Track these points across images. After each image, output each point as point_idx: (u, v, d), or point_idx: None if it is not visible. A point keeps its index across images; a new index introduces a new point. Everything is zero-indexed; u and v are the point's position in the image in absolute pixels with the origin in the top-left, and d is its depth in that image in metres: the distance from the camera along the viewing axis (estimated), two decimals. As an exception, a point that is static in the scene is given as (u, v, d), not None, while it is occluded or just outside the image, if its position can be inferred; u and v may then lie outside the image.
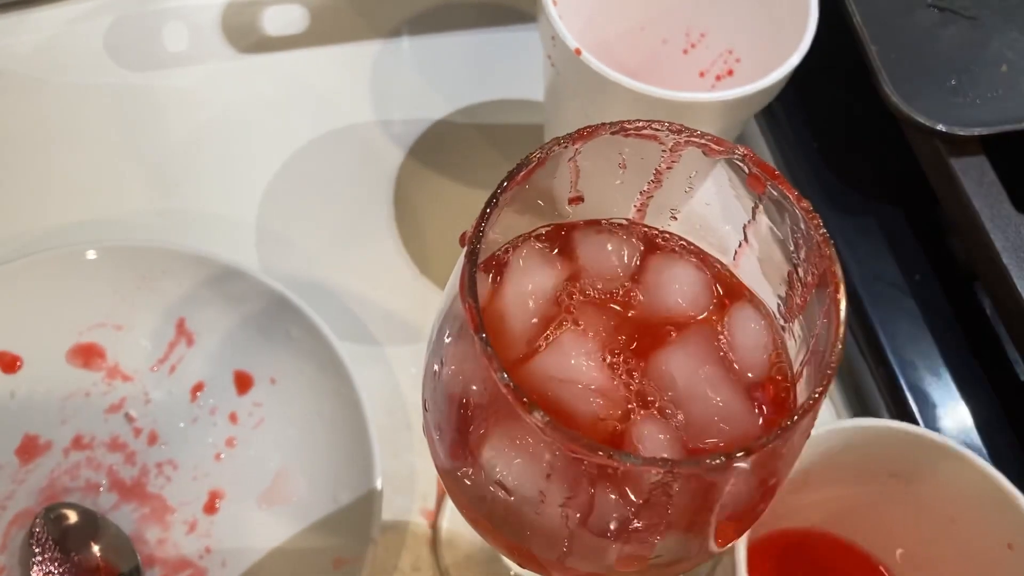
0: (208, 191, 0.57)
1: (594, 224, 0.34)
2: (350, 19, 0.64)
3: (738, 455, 0.24)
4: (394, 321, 0.55)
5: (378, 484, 0.47)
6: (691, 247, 0.34)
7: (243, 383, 0.51)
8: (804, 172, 0.57)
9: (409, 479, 0.51)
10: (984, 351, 0.54)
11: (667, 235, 0.34)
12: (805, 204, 0.27)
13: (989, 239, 0.50)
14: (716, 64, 0.53)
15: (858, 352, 0.54)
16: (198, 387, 0.51)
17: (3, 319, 0.50)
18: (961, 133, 0.51)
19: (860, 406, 0.54)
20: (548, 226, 0.33)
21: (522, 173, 0.27)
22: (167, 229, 0.56)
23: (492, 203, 0.26)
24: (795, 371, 0.31)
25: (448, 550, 0.49)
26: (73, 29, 0.61)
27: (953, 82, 0.53)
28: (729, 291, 0.33)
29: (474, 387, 0.27)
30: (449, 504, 0.50)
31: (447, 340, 0.28)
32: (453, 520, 0.50)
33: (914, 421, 0.51)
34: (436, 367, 0.29)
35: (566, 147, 0.27)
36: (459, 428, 0.29)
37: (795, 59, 0.44)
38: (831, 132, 0.59)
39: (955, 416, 0.52)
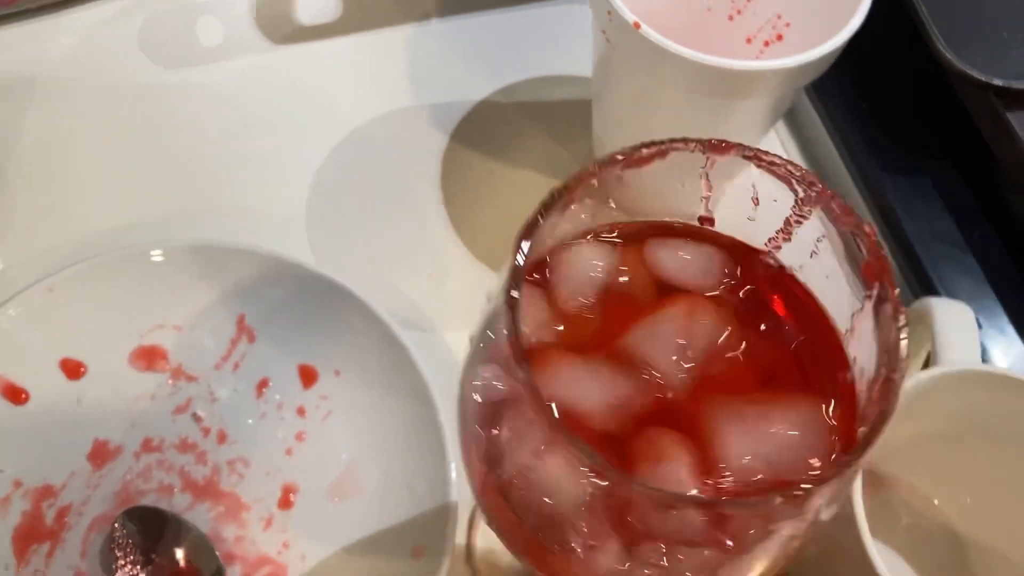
0: (254, 186, 0.57)
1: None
2: (384, 3, 0.63)
3: (797, 489, 0.23)
4: (451, 306, 0.55)
5: (452, 470, 0.47)
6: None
7: (308, 377, 0.51)
8: (854, 134, 0.56)
9: (479, 464, 0.51)
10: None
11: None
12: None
13: (1049, 192, 0.50)
14: (764, 30, 0.53)
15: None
16: (263, 383, 0.51)
17: (66, 325, 0.49)
18: (1018, 86, 0.50)
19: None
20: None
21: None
22: (215, 226, 0.55)
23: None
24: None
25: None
26: (105, 30, 0.60)
27: (1006, 34, 0.52)
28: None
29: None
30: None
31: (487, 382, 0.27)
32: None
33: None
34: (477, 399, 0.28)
35: (698, 152, 0.25)
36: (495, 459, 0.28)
37: (856, 20, 0.44)
38: (881, 91, 0.58)
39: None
